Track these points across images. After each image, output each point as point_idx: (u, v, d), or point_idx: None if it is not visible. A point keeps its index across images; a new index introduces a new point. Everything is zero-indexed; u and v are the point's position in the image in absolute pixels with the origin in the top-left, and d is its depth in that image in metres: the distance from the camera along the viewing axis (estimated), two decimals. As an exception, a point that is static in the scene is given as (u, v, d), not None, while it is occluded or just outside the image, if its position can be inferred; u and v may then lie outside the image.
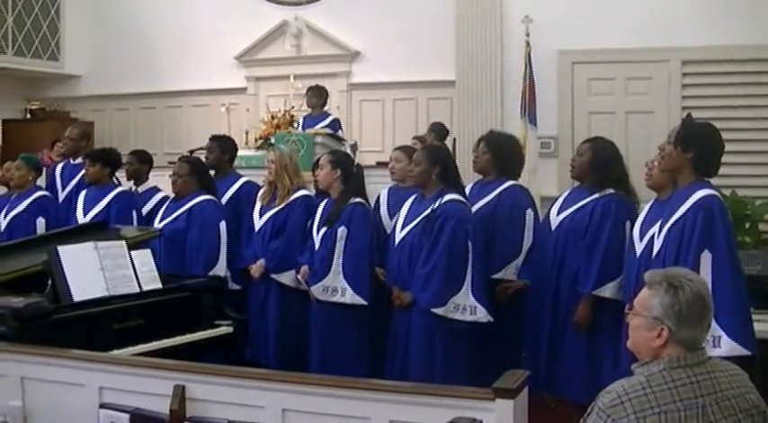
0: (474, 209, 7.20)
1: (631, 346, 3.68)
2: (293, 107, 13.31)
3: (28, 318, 5.79)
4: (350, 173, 7.75)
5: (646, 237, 5.92)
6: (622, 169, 6.87)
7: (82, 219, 8.77)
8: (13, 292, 6.26)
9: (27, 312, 5.82)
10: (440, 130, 12.51)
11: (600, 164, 6.77)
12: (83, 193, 9.10)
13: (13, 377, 5.52)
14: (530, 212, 7.35)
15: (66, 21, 17.72)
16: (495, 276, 7.24)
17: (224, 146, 9.13)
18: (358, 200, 7.61)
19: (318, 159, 8.22)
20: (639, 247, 5.96)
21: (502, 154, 7.52)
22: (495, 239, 7.26)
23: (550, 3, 12.33)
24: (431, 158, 7.10)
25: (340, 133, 12.47)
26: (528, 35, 12.12)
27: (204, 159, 8.95)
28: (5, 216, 9.35)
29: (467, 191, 7.34)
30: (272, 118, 13.12)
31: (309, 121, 12.69)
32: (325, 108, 13.32)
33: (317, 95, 13.12)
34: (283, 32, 16.23)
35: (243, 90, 16.56)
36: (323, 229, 7.55)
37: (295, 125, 12.80)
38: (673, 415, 3.39)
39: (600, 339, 6.63)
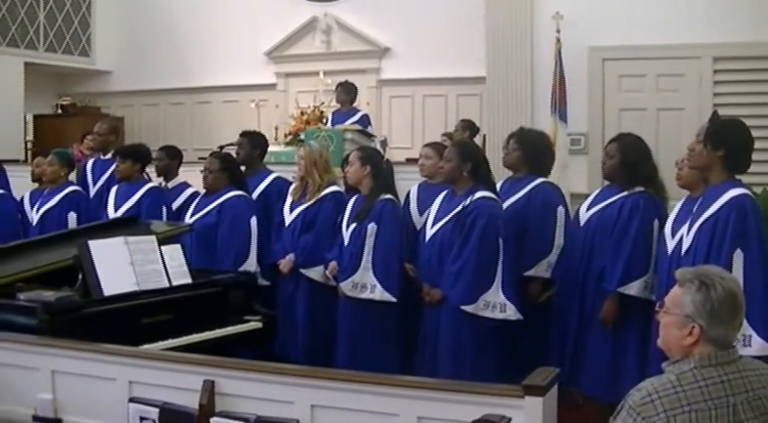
0: (504, 206, 7.18)
1: (662, 344, 3.65)
2: (323, 103, 13.31)
3: (59, 311, 5.82)
4: (379, 169, 7.75)
5: (677, 234, 5.90)
6: (651, 166, 6.82)
7: (113, 214, 8.81)
8: (45, 286, 6.29)
9: (58, 306, 5.86)
10: (471, 127, 12.49)
11: (629, 165, 6.73)
12: (114, 189, 9.14)
13: (43, 370, 5.55)
14: (561, 210, 7.33)
15: (97, 17, 17.82)
16: (527, 274, 7.23)
17: (254, 141, 9.15)
18: (388, 196, 7.60)
19: (348, 155, 8.22)
20: (671, 245, 5.94)
21: (532, 151, 7.51)
22: (525, 237, 7.25)
23: (581, -1, 12.32)
24: (462, 155, 7.09)
25: (369, 129, 12.45)
26: (558, 31, 12.05)
27: (235, 155, 8.96)
28: (38, 211, 9.39)
29: (497, 188, 7.32)
30: (302, 114, 13.13)
31: (338, 117, 12.69)
32: (355, 104, 13.31)
33: (347, 91, 13.12)
34: (313, 29, 16.28)
35: (272, 86, 16.62)
36: (352, 226, 7.55)
37: (324, 121, 12.80)
38: (703, 414, 3.37)
39: (626, 337, 6.61)
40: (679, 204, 6.16)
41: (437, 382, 4.90)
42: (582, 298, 6.83)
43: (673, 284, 3.66)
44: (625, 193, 6.70)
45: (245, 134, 9.27)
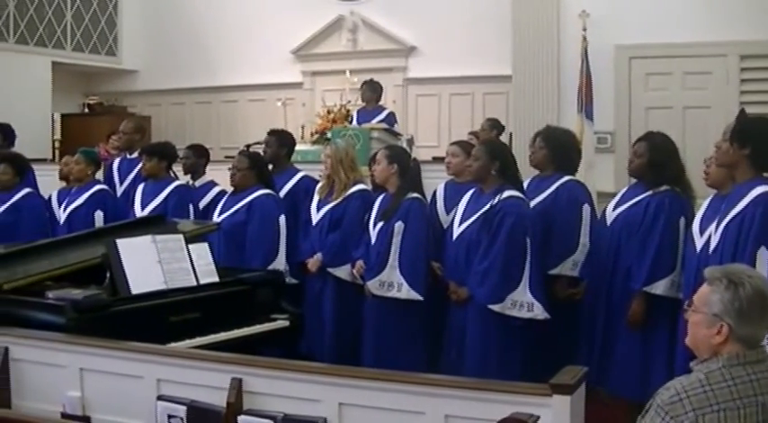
0: (531, 204, 7.17)
1: (690, 343, 3.64)
2: (349, 102, 13.29)
3: (87, 310, 5.85)
4: (406, 168, 7.74)
5: (705, 232, 5.88)
6: (679, 166, 6.81)
7: (140, 212, 8.86)
8: (73, 285, 6.32)
9: (86, 304, 5.88)
10: (497, 125, 12.48)
11: (657, 165, 6.71)
12: (140, 187, 9.19)
13: (72, 368, 5.59)
14: (586, 208, 7.30)
15: (123, 16, 17.89)
16: (552, 272, 7.21)
17: (282, 140, 9.18)
18: (415, 195, 7.60)
19: (375, 154, 8.22)
20: (699, 243, 5.92)
21: (558, 149, 7.49)
22: (551, 235, 7.23)
23: (607, -3, 12.29)
24: (490, 154, 7.08)
25: (395, 127, 12.45)
26: (585, 30, 12.03)
27: (262, 153, 8.97)
28: (65, 209, 9.44)
29: (524, 186, 7.31)
30: (328, 112, 13.11)
31: (364, 116, 12.69)
32: (380, 102, 13.31)
33: (372, 90, 13.12)
34: (339, 27, 16.29)
35: (299, 85, 16.63)
36: (379, 224, 7.55)
37: (350, 119, 12.80)
38: (732, 413, 3.36)
39: (654, 336, 6.60)
40: (706, 202, 6.14)
41: (464, 381, 4.91)
42: (609, 297, 6.83)
43: (700, 283, 3.66)
44: (651, 192, 6.68)
45: (272, 133, 9.30)
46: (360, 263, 7.72)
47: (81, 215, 9.29)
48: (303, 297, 8.17)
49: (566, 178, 7.40)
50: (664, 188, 6.65)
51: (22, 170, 9.55)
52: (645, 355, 6.62)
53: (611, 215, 6.92)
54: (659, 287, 6.46)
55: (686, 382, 3.45)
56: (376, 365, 6.55)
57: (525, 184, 7.38)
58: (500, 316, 6.75)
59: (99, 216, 9.27)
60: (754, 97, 11.41)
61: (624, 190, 7.10)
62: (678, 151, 6.89)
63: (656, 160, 6.71)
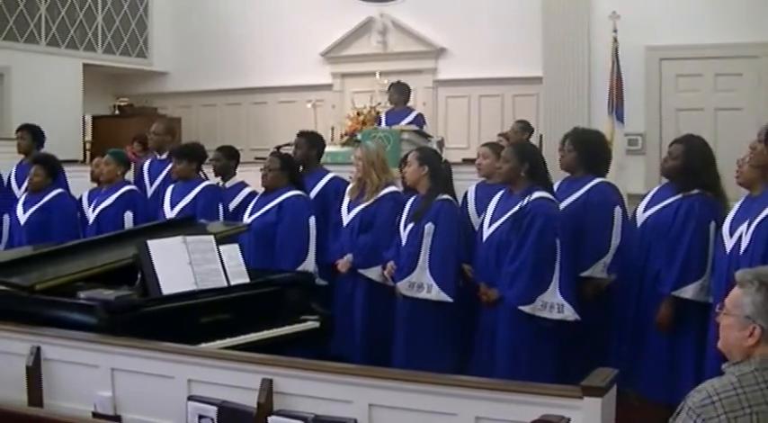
0: (562, 206, 7.15)
1: (722, 346, 3.62)
2: (379, 103, 13.30)
3: (118, 310, 5.86)
4: (437, 169, 7.73)
5: (735, 234, 5.87)
6: (714, 173, 6.74)
7: (169, 213, 8.90)
8: (104, 285, 6.35)
9: (117, 305, 5.90)
10: (527, 127, 12.47)
11: (691, 171, 6.67)
12: (170, 188, 9.24)
13: (103, 368, 5.61)
14: (618, 210, 7.25)
15: (154, 18, 17.99)
16: (583, 274, 7.18)
17: (312, 141, 9.20)
18: (445, 196, 7.59)
19: (406, 156, 8.22)
20: (729, 244, 5.92)
21: (588, 151, 7.45)
22: (582, 237, 7.19)
23: (638, -2, 12.26)
24: (520, 155, 7.08)
25: (424, 128, 12.44)
26: (615, 31, 12.02)
27: (292, 155, 8.99)
28: (94, 210, 9.49)
29: (555, 188, 7.30)
30: (358, 114, 13.13)
31: (392, 117, 12.68)
32: (409, 104, 13.29)
33: (400, 91, 13.10)
34: (369, 29, 16.32)
35: (329, 86, 16.67)
36: (410, 226, 7.55)
37: (378, 121, 12.80)
38: (764, 416, 3.34)
39: (684, 339, 6.58)
40: (738, 204, 6.12)
41: (495, 383, 4.89)
42: (639, 299, 6.82)
43: (731, 285, 3.64)
44: (681, 196, 6.65)
45: (302, 134, 9.32)
46: (391, 264, 7.72)
47: (110, 216, 9.34)
48: (333, 298, 8.18)
49: (597, 180, 7.36)
50: (695, 191, 6.61)
51: (54, 171, 9.62)
52: (673, 358, 6.61)
53: (641, 217, 6.90)
54: (688, 291, 6.44)
55: (718, 385, 3.43)
56: (406, 367, 6.53)
57: (556, 186, 7.37)
58: (530, 317, 6.73)
59: (128, 217, 9.33)
60: (786, 99, 11.38)
61: (654, 191, 7.07)
62: (715, 159, 6.81)
63: (691, 166, 6.67)
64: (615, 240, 7.16)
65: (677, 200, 6.66)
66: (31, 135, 11.03)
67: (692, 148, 6.78)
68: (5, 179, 10.93)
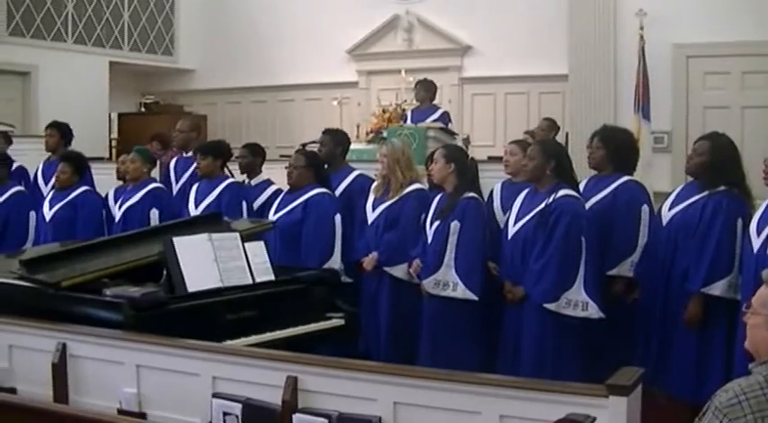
0: (589, 204, 7.14)
1: (749, 345, 3.58)
2: (405, 101, 13.30)
3: (144, 307, 5.87)
4: (464, 167, 7.72)
5: (763, 233, 5.83)
6: (740, 172, 6.70)
7: (194, 210, 8.92)
8: (130, 282, 6.35)
9: (143, 302, 5.90)
10: (553, 125, 12.43)
11: (717, 168, 6.64)
12: (195, 186, 9.25)
13: (129, 365, 5.62)
14: (645, 208, 7.23)
15: (180, 16, 18.04)
16: (610, 273, 7.17)
17: (337, 139, 9.18)
18: (471, 194, 7.57)
19: (433, 153, 8.21)
20: (756, 244, 5.88)
21: (617, 149, 7.43)
22: (610, 236, 7.18)
23: (664, -4, 12.21)
24: (546, 153, 7.06)
25: (450, 126, 12.41)
26: (642, 28, 11.98)
27: (317, 152, 8.99)
28: (120, 207, 9.51)
29: (582, 186, 7.28)
30: (384, 112, 13.12)
31: (418, 115, 12.63)
32: (435, 101, 13.26)
33: (426, 89, 13.05)
34: (395, 27, 16.30)
35: (354, 84, 16.66)
36: (436, 223, 7.53)
37: (404, 118, 12.78)
38: (792, 416, 3.32)
39: (711, 338, 6.55)
40: (765, 203, 6.08)
41: (520, 381, 4.88)
42: (666, 297, 6.78)
43: (759, 284, 3.61)
44: (707, 193, 6.62)
45: (327, 132, 9.31)
46: (417, 261, 7.71)
47: (136, 213, 9.36)
48: (359, 296, 8.17)
49: (624, 178, 7.34)
50: (721, 188, 6.58)
51: (81, 169, 9.66)
52: (701, 357, 6.58)
53: (666, 215, 6.87)
54: (717, 288, 6.41)
55: (745, 385, 3.40)
56: (431, 364, 6.53)
57: (583, 183, 7.36)
58: (556, 315, 6.73)
59: (154, 214, 9.34)
60: (813, 96, 11.31)
61: (679, 189, 7.04)
62: (740, 157, 6.79)
63: (717, 162, 6.63)
64: (642, 239, 7.14)
65: (704, 197, 6.63)
66: (60, 133, 11.07)
67: (717, 145, 6.74)
68: (32, 176, 10.99)
